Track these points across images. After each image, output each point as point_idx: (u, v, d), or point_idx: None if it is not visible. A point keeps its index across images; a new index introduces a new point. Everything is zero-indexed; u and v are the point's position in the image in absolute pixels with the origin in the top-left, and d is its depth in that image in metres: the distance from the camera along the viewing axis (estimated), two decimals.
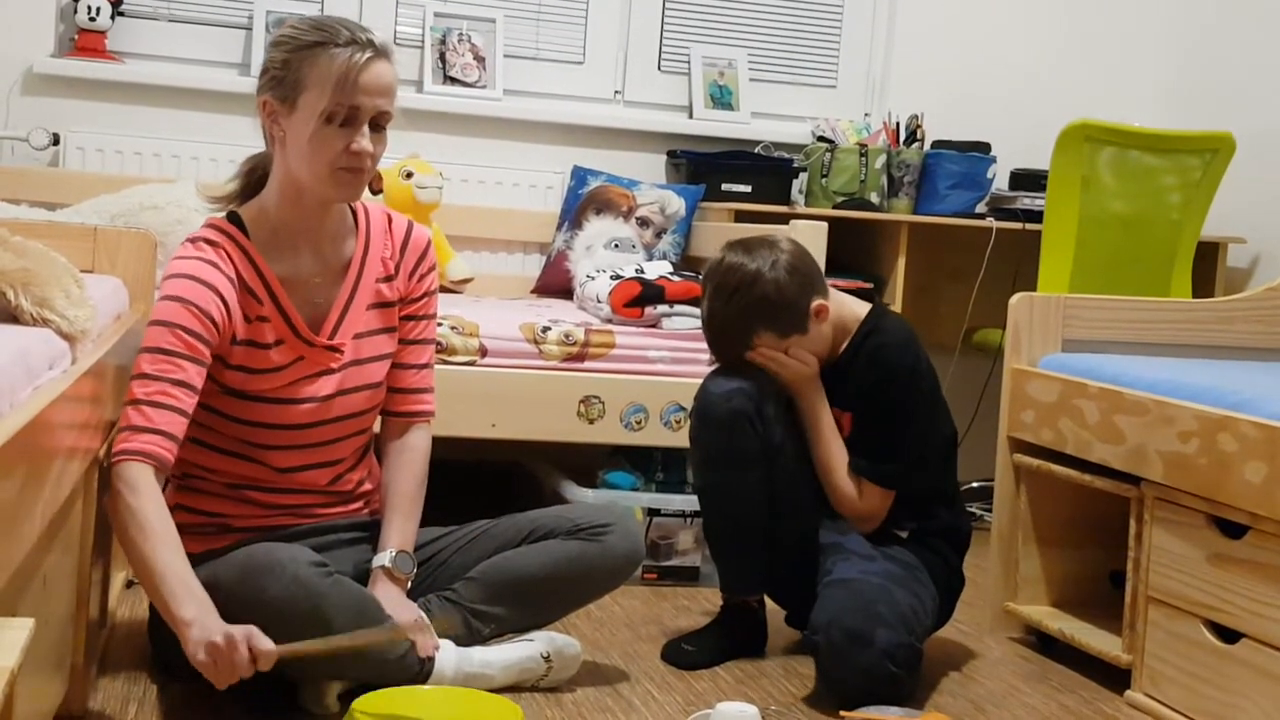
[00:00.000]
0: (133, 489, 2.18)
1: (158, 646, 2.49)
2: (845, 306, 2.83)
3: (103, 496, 2.25)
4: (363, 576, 2.44)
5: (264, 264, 2.40)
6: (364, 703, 2.06)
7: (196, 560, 2.35)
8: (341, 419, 2.48)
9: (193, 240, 2.40)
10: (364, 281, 2.49)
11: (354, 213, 2.52)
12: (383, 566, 2.45)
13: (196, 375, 2.30)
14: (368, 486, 2.60)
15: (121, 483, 2.18)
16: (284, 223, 2.42)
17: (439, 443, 2.65)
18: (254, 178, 2.47)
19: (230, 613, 2.18)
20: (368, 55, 2.31)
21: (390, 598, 2.40)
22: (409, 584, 2.48)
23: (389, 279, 2.53)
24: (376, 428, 2.61)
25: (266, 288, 2.40)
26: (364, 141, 2.32)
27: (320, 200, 2.40)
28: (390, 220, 2.57)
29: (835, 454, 2.75)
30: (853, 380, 2.76)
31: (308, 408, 2.43)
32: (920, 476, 2.77)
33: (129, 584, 2.94)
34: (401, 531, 2.50)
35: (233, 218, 2.43)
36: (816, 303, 2.73)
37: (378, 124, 2.35)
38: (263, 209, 2.43)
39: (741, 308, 2.70)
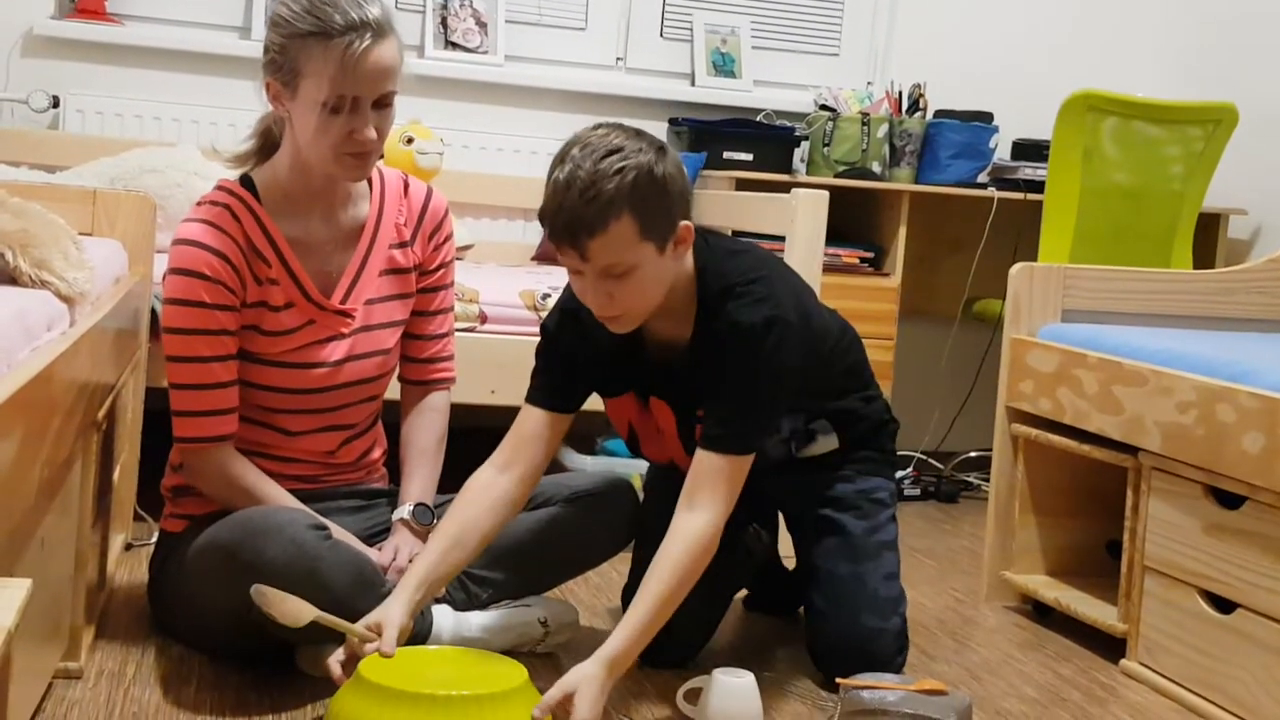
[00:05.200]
0: (231, 471, 2.38)
1: (157, 608, 2.50)
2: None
3: (174, 470, 2.49)
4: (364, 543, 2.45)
5: (273, 227, 2.40)
6: (371, 663, 2.07)
7: (198, 522, 2.37)
8: (352, 384, 2.49)
9: (199, 204, 2.41)
10: (377, 247, 2.49)
11: (368, 177, 2.50)
12: (402, 519, 2.49)
13: (230, 343, 2.37)
14: (374, 456, 2.61)
15: (217, 466, 2.38)
16: (295, 189, 2.42)
17: None
18: (269, 138, 2.46)
19: (228, 574, 2.19)
20: (366, 42, 2.25)
21: (403, 543, 2.44)
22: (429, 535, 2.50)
23: (403, 245, 2.53)
24: (389, 395, 2.62)
25: (275, 250, 2.40)
26: (367, 131, 2.29)
27: (319, 172, 2.39)
28: (407, 185, 2.55)
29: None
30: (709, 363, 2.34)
31: (319, 372, 2.44)
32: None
33: (128, 546, 2.95)
34: (421, 485, 2.54)
35: (245, 181, 2.43)
36: (685, 223, 2.25)
37: (383, 104, 2.32)
38: (275, 174, 2.43)
39: (619, 171, 2.15)
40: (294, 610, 2.13)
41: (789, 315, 2.29)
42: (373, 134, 2.30)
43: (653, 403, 2.48)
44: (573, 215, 2.15)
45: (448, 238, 2.59)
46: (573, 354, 2.42)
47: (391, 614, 2.17)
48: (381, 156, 3.14)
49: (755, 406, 2.30)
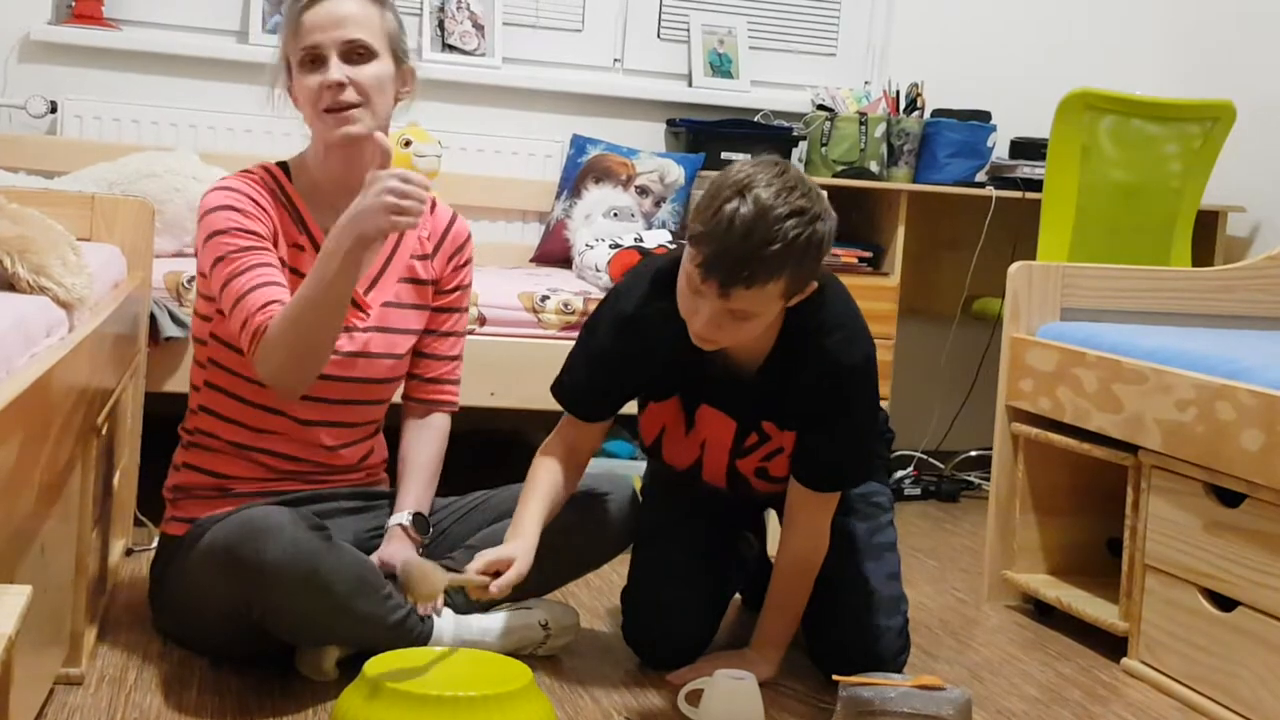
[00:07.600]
0: (284, 314, 2.27)
1: (157, 613, 2.50)
2: None
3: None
4: (362, 545, 2.44)
5: (303, 205, 2.45)
6: (375, 664, 2.07)
7: (198, 525, 2.36)
8: (363, 381, 2.49)
9: (228, 175, 2.47)
10: (398, 254, 2.52)
11: (356, 134, 2.50)
12: (400, 524, 2.48)
13: (275, 256, 2.36)
14: (373, 460, 2.61)
15: (276, 329, 2.25)
16: (321, 177, 2.46)
17: None
18: None
19: (228, 575, 2.19)
20: None
21: (401, 551, 2.43)
22: (423, 547, 2.50)
23: (424, 257, 2.55)
24: (395, 400, 2.61)
25: (302, 223, 2.44)
26: (333, 73, 2.34)
27: (329, 147, 2.41)
28: (434, 204, 2.57)
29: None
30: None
31: (331, 359, 2.43)
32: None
33: (128, 551, 2.95)
34: (418, 496, 2.54)
35: (279, 164, 2.49)
36: (814, 282, 2.26)
37: (356, 56, 2.37)
38: (304, 161, 2.49)
39: (796, 236, 2.11)
40: (431, 584, 2.22)
41: (872, 346, 2.38)
42: (338, 75, 2.34)
43: (704, 411, 2.46)
44: (735, 262, 2.11)
45: (468, 261, 2.62)
46: (625, 372, 2.43)
47: (520, 550, 2.27)
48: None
49: (860, 447, 2.46)
